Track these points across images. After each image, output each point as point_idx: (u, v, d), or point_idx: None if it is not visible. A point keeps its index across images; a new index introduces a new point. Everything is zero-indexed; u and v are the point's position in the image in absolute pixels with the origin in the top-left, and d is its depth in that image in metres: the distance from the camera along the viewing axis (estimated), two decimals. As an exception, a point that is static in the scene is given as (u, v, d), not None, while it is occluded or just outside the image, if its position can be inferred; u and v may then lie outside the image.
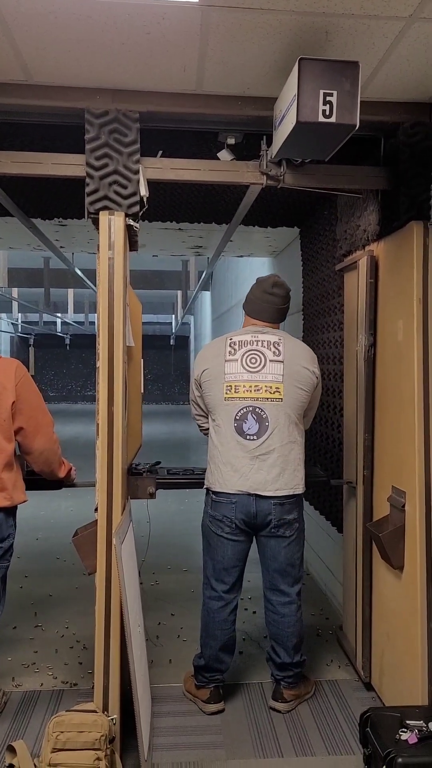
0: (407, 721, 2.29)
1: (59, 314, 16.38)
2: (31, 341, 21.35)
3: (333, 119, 2.14)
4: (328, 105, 2.12)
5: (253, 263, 7.66)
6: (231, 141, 2.75)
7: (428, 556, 2.60)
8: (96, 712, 2.46)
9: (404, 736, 2.23)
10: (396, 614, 2.80)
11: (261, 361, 2.80)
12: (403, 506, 2.70)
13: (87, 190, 2.59)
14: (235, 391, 2.80)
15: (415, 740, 2.20)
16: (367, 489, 3.11)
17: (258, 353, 2.81)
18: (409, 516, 2.66)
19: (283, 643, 2.92)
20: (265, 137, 2.66)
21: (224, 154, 2.77)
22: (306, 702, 3.01)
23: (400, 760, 2.13)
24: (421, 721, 2.29)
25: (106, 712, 2.53)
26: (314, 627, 3.78)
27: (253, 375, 2.79)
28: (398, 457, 2.79)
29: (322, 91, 2.11)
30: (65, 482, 3.11)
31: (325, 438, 4.08)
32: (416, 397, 2.62)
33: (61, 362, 24.68)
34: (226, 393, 2.81)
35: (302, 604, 3.00)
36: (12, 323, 18.82)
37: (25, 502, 2.84)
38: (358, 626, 3.18)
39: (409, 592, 2.67)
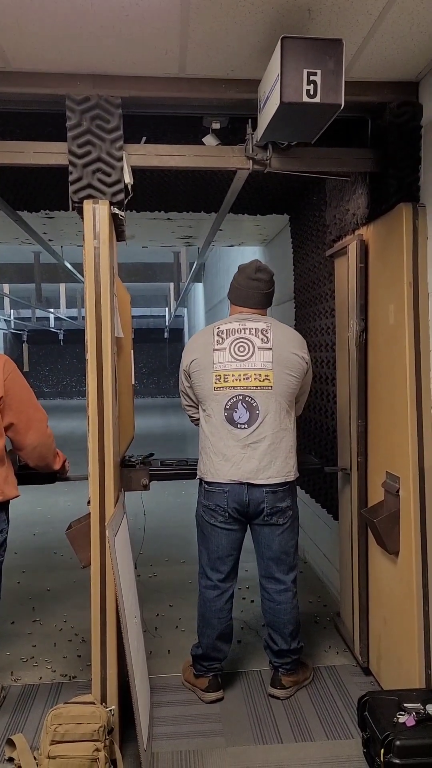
0: (405, 704, 2.30)
1: (52, 309, 16.31)
2: (25, 337, 21.29)
3: (317, 99, 2.11)
4: (312, 85, 2.08)
5: (244, 252, 7.62)
6: (216, 125, 2.71)
7: (423, 541, 2.59)
8: (94, 703, 2.46)
9: (402, 719, 2.23)
10: (392, 599, 2.79)
11: (249, 349, 2.77)
12: (398, 491, 2.68)
13: (70, 178, 2.55)
14: (224, 381, 2.78)
15: (413, 723, 2.20)
16: (362, 475, 3.10)
17: (246, 341, 2.79)
18: (404, 501, 2.65)
19: (279, 630, 2.92)
20: (250, 121, 2.63)
21: (209, 139, 2.73)
22: (305, 688, 3.01)
23: (398, 742, 2.13)
24: (419, 704, 2.29)
25: (104, 704, 2.53)
26: (312, 614, 3.78)
27: (241, 363, 2.77)
28: (392, 443, 2.78)
29: (305, 71, 2.07)
30: (59, 475, 3.08)
31: (318, 425, 4.07)
32: (408, 381, 2.60)
33: (55, 358, 24.59)
34: (216, 382, 2.79)
35: (299, 592, 3.00)
36: (4, 319, 18.74)
37: (17, 497, 2.81)
38: (355, 612, 3.18)
39: (404, 577, 2.66)
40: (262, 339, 2.78)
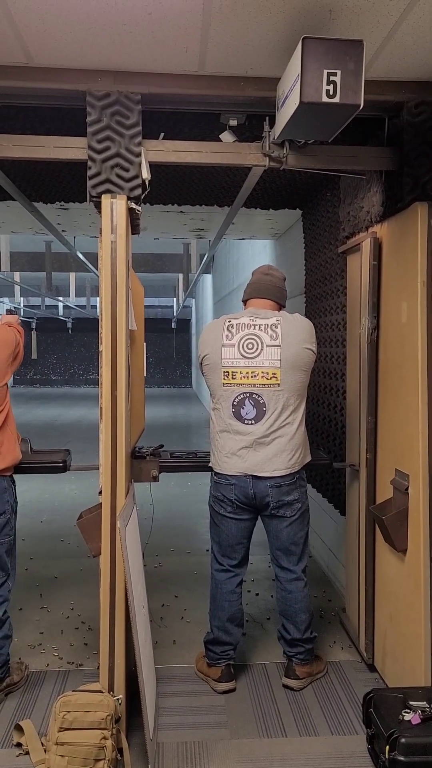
0: (410, 702, 2.32)
1: (61, 298, 16.34)
2: (34, 325, 21.35)
3: (337, 99, 2.11)
4: (331, 85, 2.09)
5: (254, 246, 7.63)
6: (233, 122, 2.72)
7: (431, 539, 2.61)
8: (102, 692, 2.49)
9: (407, 717, 2.26)
10: (399, 596, 2.81)
11: (258, 347, 2.79)
12: (407, 489, 2.70)
13: (89, 173, 2.57)
14: (232, 378, 2.80)
15: (418, 721, 2.23)
16: (370, 472, 3.12)
17: (255, 338, 2.81)
18: (413, 499, 2.67)
19: (292, 619, 2.96)
20: (267, 118, 2.63)
21: (226, 136, 2.74)
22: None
23: (403, 740, 2.16)
24: (424, 702, 2.32)
25: (111, 693, 2.56)
26: (317, 609, 3.80)
27: (250, 361, 2.79)
28: (401, 440, 2.79)
29: (325, 71, 2.08)
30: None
31: (327, 421, 4.08)
32: (420, 379, 2.61)
33: (63, 346, 24.66)
34: (224, 379, 2.82)
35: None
36: (14, 307, 18.80)
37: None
38: (361, 608, 3.20)
39: (412, 574, 2.68)
40: (271, 335, 2.80)
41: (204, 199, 4.18)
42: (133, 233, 2.82)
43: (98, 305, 2.63)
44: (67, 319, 21.78)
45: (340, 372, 3.78)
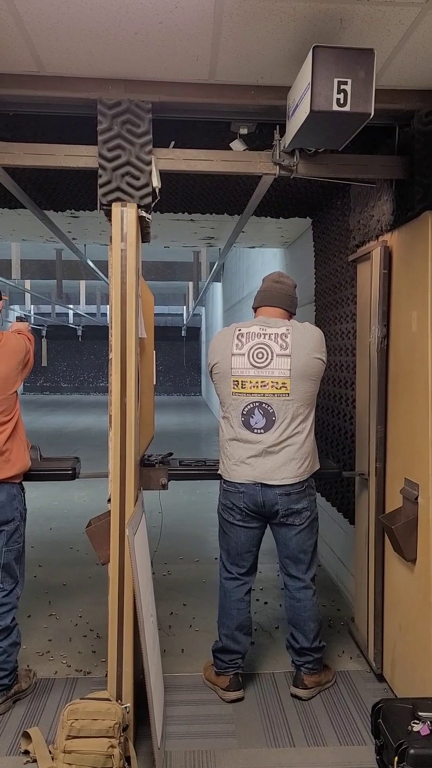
0: (419, 713, 2.29)
1: (71, 305, 16.43)
2: (44, 332, 21.47)
3: (347, 108, 2.12)
4: (342, 93, 2.09)
5: (264, 254, 7.64)
6: (243, 131, 2.73)
7: (441, 548, 2.59)
8: (110, 700, 2.49)
9: (416, 728, 2.23)
10: (408, 606, 2.79)
11: (268, 356, 2.79)
12: (416, 498, 2.69)
13: (99, 181, 2.58)
14: (242, 387, 2.80)
15: (428, 732, 2.20)
16: (380, 481, 3.10)
17: (265, 347, 2.80)
18: (422, 508, 2.66)
19: (300, 628, 2.95)
20: (278, 127, 2.65)
21: (237, 144, 2.76)
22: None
23: (412, 751, 2.13)
24: (434, 713, 2.29)
25: (119, 701, 2.56)
26: (326, 618, 3.78)
27: (259, 371, 2.79)
28: (411, 449, 2.78)
29: (336, 80, 2.08)
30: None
31: (337, 430, 4.07)
32: (430, 388, 2.60)
33: (73, 353, 24.76)
34: (233, 388, 2.82)
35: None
36: (25, 314, 18.91)
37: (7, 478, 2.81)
38: (369, 618, 3.18)
39: (421, 584, 2.66)
40: (281, 345, 2.80)
41: (214, 208, 4.20)
42: (143, 241, 2.83)
43: (108, 313, 2.64)
44: (77, 327, 21.88)
45: (349, 381, 3.77)
